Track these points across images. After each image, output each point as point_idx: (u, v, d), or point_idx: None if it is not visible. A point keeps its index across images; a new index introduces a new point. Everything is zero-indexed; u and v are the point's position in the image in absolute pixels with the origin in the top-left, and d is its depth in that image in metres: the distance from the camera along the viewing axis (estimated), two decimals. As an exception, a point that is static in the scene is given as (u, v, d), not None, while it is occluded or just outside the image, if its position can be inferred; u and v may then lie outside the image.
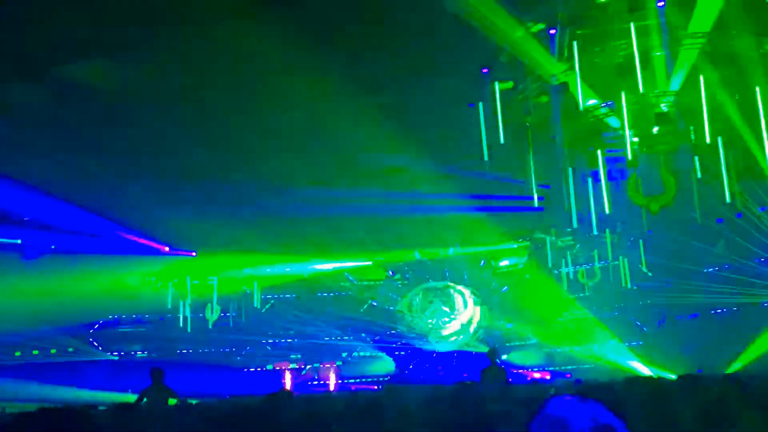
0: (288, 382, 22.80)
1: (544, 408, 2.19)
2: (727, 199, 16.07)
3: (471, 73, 16.08)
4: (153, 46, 13.72)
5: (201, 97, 14.64)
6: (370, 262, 23.89)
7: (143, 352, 22.27)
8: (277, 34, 13.20)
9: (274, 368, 23.50)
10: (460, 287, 23.67)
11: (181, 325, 22.61)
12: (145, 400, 10.96)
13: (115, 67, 13.90)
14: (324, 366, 23.61)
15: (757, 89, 14.32)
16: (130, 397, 11.80)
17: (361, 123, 16.58)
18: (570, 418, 2.10)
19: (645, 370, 19.19)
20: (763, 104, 14.24)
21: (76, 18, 12.41)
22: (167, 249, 21.16)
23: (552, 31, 14.59)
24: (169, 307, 22.46)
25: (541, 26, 14.66)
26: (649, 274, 20.40)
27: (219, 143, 16.39)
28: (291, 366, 23.53)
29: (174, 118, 15.08)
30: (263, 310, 23.62)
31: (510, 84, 15.76)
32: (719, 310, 19.47)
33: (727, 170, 15.79)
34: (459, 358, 23.19)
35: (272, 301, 23.88)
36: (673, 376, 13.14)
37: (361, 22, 14.17)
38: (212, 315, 22.99)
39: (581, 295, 21.43)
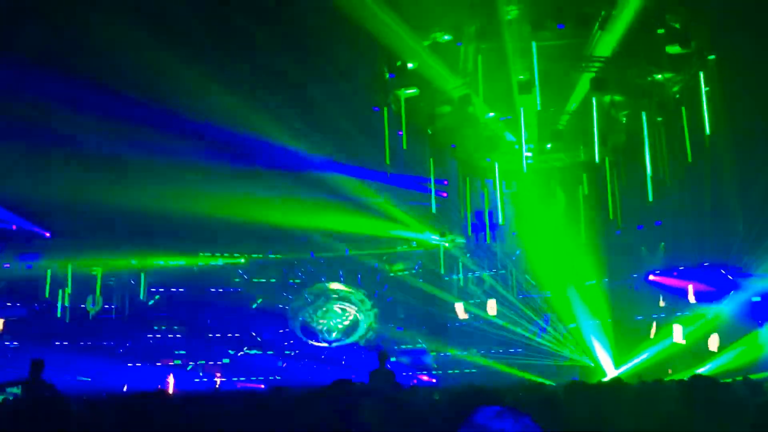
0: (171, 378, 22.09)
1: (473, 417, 2.19)
2: (610, 215, 17.08)
3: (378, 78, 16.21)
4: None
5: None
6: (264, 259, 23.60)
7: (15, 343, 20.93)
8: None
9: (158, 365, 22.71)
10: (352, 289, 23.76)
11: (59, 315, 21.46)
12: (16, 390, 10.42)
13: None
14: (210, 363, 23.06)
15: (643, 115, 15.24)
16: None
17: (259, 117, 16.43)
18: (499, 428, 2.11)
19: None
20: (648, 129, 15.17)
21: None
22: (48, 235, 20.05)
23: (459, 44, 14.94)
24: (47, 296, 21.28)
25: (448, 37, 14.95)
26: (533, 283, 21.33)
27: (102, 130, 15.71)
28: (175, 362, 22.81)
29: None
30: (149, 303, 22.82)
31: (416, 91, 15.97)
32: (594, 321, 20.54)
33: (612, 189, 16.71)
34: (348, 359, 23.28)
35: (157, 296, 23.10)
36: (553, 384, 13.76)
37: (267, 21, 14.01)
38: (94, 306, 21.96)
39: (471, 301, 22.01)
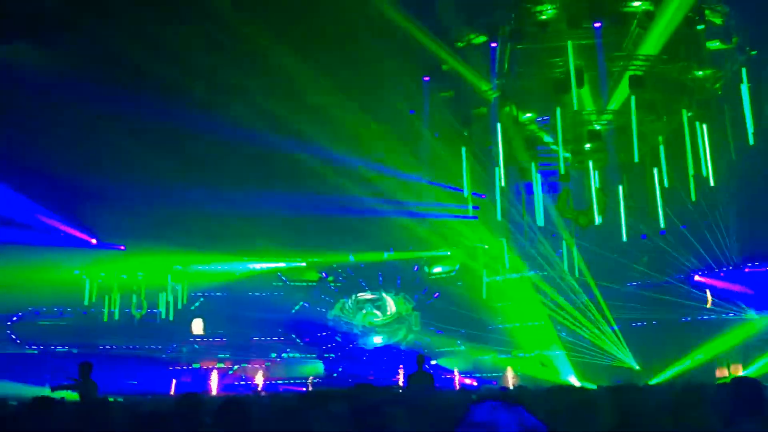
0: (214, 381, 22.45)
1: (471, 413, 2.22)
2: (652, 215, 16.74)
3: (413, 80, 16.23)
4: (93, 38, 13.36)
5: (137, 94, 14.30)
6: (303, 263, 23.80)
7: (64, 347, 21.51)
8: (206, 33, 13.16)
9: (200, 367, 23.10)
10: (392, 293, 23.81)
11: (105, 319, 22.01)
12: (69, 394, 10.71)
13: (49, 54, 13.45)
14: (252, 366, 23.34)
15: (684, 112, 14.92)
16: (47, 391, 11.42)
17: (297, 123, 16.53)
18: (497, 422, 2.15)
19: (573, 380, 19.66)
20: (689, 128, 14.84)
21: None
22: (94, 241, 20.53)
23: (493, 45, 14.85)
24: (94, 300, 21.85)
25: (483, 39, 14.90)
26: (576, 285, 20.99)
27: (154, 142, 15.99)
28: (218, 365, 23.16)
29: (110, 112, 14.68)
30: (192, 308, 23.23)
31: (451, 93, 15.96)
32: (638, 324, 20.14)
33: (652, 189, 16.39)
34: (389, 361, 23.31)
35: (201, 299, 23.51)
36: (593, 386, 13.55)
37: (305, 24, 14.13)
38: (139, 310, 22.47)
39: (509, 303, 21.83)
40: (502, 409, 2.17)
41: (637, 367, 19.68)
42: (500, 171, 16.40)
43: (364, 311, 23.71)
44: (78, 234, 20.15)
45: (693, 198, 15.67)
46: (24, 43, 13.17)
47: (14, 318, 21.92)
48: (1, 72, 13.67)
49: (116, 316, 22.24)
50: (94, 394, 10.82)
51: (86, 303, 21.79)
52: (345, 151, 18.06)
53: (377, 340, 23.58)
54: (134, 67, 13.98)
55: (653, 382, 17.59)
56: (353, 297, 23.81)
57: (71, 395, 10.88)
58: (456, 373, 22.51)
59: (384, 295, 23.82)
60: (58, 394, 11.02)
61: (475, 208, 19.90)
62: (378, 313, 23.73)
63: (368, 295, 23.78)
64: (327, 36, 13.63)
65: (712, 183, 15.13)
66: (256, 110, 15.65)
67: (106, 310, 22.07)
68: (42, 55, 13.26)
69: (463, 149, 16.58)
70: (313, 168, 18.34)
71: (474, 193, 17.59)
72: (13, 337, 21.75)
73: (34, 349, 21.78)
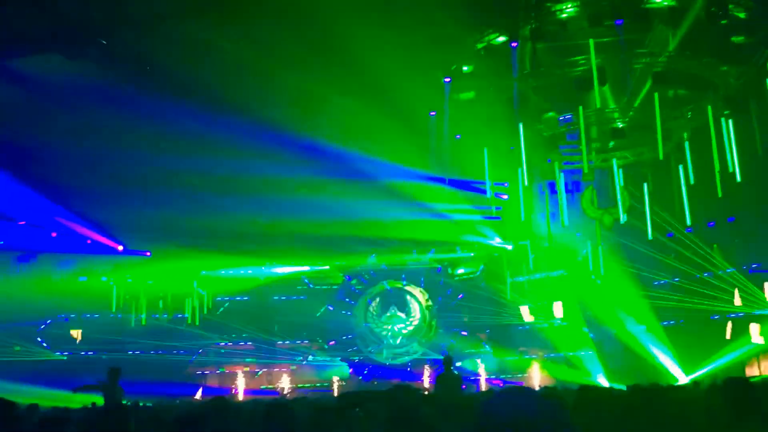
0: (241, 385, 22.61)
1: (489, 404, 2.25)
2: (677, 212, 16.56)
3: (433, 82, 16.19)
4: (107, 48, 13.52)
5: (159, 99, 14.42)
6: (327, 267, 23.87)
7: (93, 352, 21.78)
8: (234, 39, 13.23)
9: (226, 371, 23.28)
10: (416, 291, 23.80)
11: (132, 325, 22.26)
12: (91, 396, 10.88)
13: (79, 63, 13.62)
14: (277, 370, 23.47)
15: (709, 108, 14.74)
16: (76, 397, 11.56)
17: (319, 125, 16.55)
18: (515, 406, 2.18)
19: (602, 381, 19.47)
20: (715, 125, 14.66)
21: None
22: (121, 248, 20.78)
23: (514, 44, 14.78)
24: (121, 306, 22.12)
25: (503, 39, 14.83)
26: (599, 282, 20.75)
27: (177, 147, 16.12)
28: (244, 369, 23.33)
29: (133, 118, 14.83)
30: (218, 312, 23.41)
31: (471, 94, 15.92)
32: (667, 322, 19.87)
33: (678, 187, 16.22)
34: (413, 363, 23.31)
35: (227, 304, 23.68)
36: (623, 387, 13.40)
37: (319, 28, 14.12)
38: (165, 316, 22.70)
39: (539, 303, 21.70)
40: (518, 394, 2.22)
41: (667, 367, 19.39)
42: (523, 171, 16.32)
43: (388, 313, 23.71)
44: (105, 241, 20.40)
45: (719, 194, 15.44)
46: (55, 53, 13.37)
47: (43, 325, 22.26)
48: (32, 79, 13.93)
49: (143, 322, 22.48)
50: (120, 398, 10.91)
51: (113, 309, 22.05)
52: (364, 152, 18.07)
53: (401, 342, 23.58)
54: (157, 71, 14.11)
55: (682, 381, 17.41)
56: (376, 292, 23.82)
57: (94, 398, 11.01)
58: (482, 374, 22.44)
59: (406, 287, 23.74)
60: (80, 397, 11.18)
61: (497, 209, 19.87)
62: (403, 315, 23.71)
63: (390, 287, 23.72)
64: (344, 41, 13.63)
65: (738, 179, 14.91)
66: (276, 114, 15.71)
67: (132, 316, 22.33)
68: (73, 64, 13.44)
69: (485, 150, 16.52)
70: (335, 170, 18.41)
71: (497, 194, 17.53)
72: (43, 343, 22.09)
73: (64, 355, 22.09)
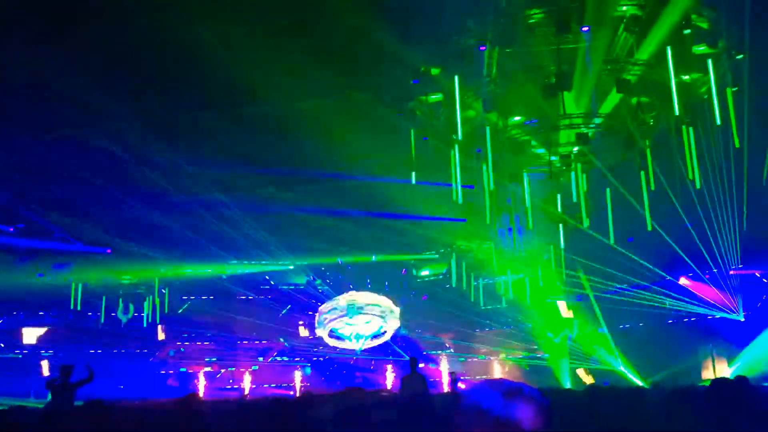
0: (201, 385, 22.33)
1: (465, 398, 2.25)
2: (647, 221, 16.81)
3: (402, 84, 16.21)
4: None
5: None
6: (291, 266, 23.73)
7: (50, 351, 21.32)
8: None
9: (187, 371, 22.97)
10: (381, 296, 23.77)
11: (91, 323, 21.86)
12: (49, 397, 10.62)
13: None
14: (239, 370, 23.25)
15: (670, 116, 15.02)
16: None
17: (285, 125, 16.47)
18: (486, 394, 2.18)
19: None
20: (674, 130, 14.97)
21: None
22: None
23: (482, 48, 14.87)
24: (79, 306, 21.68)
25: (471, 42, 14.91)
26: (564, 288, 21.06)
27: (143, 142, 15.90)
28: (205, 369, 23.05)
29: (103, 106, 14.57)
30: (179, 311, 23.11)
31: (440, 96, 15.97)
32: (625, 326, 20.24)
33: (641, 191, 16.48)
34: (377, 364, 23.31)
35: (188, 302, 23.39)
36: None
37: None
38: (125, 314, 22.31)
39: (498, 306, 21.89)
40: (486, 385, 2.22)
41: (622, 369, 19.78)
42: (488, 174, 16.43)
43: (351, 316, 23.62)
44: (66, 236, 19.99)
45: (675, 200, 15.80)
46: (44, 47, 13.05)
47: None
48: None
49: (102, 320, 22.08)
50: (70, 399, 10.67)
51: (72, 307, 21.62)
52: (329, 151, 18.00)
53: (363, 343, 23.52)
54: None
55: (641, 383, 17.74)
56: (342, 299, 23.69)
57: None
58: (444, 375, 22.55)
59: (372, 299, 23.64)
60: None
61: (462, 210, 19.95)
62: (366, 317, 23.65)
63: (359, 296, 23.59)
64: (318, 41, 13.61)
65: (698, 185, 15.28)
66: (248, 112, 15.59)
67: (91, 314, 21.92)
68: (62, 60, 13.13)
69: (452, 152, 16.59)
70: (301, 170, 18.30)
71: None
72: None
73: (18, 353, 21.59)
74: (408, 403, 8.44)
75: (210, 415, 6.23)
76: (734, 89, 14.10)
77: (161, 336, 23.17)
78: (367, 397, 7.41)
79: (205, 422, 5.65)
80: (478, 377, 22.51)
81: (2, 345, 21.51)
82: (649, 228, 17.15)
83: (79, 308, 21.61)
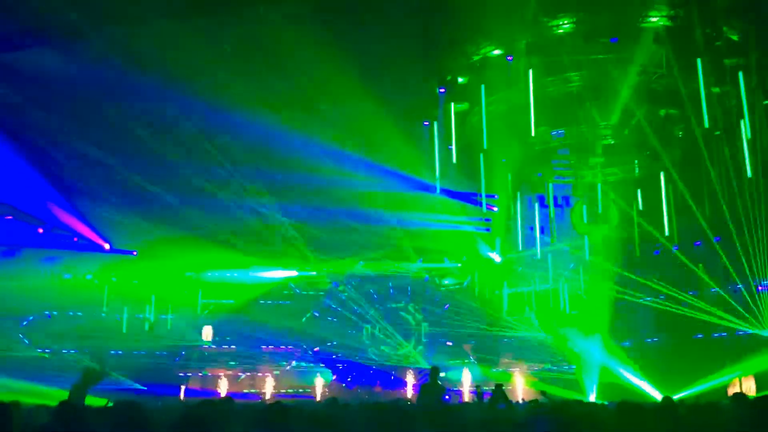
0: (223, 388, 22.46)
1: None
2: (666, 231, 16.60)
3: (428, 92, 16.24)
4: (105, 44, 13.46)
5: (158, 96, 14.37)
6: (314, 272, 23.76)
7: (75, 351, 21.57)
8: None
9: (209, 374, 23.12)
10: (402, 305, 23.73)
11: (116, 324, 22.06)
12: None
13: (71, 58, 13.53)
14: (261, 374, 23.34)
15: (699, 128, 14.88)
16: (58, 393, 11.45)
17: (313, 127, 16.53)
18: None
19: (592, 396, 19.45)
20: (702, 142, 14.82)
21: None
22: (108, 246, 20.58)
23: (509, 58, 14.89)
24: (105, 307, 21.90)
25: (499, 52, 14.94)
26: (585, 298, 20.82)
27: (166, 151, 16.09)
28: (227, 373, 23.18)
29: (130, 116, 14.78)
30: (203, 315, 23.24)
31: (466, 105, 16.00)
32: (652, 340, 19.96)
33: (668, 204, 16.33)
34: (396, 372, 23.26)
35: (211, 306, 23.51)
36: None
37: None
38: (150, 317, 22.50)
39: (522, 316, 21.72)
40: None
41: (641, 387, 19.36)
42: (513, 183, 16.45)
43: (376, 327, 23.62)
44: (92, 238, 20.21)
45: (707, 212, 15.60)
46: (51, 48, 13.29)
47: (26, 321, 22.02)
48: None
49: (125, 323, 22.28)
50: (82, 399, 10.74)
51: (104, 308, 21.86)
52: (357, 158, 18.04)
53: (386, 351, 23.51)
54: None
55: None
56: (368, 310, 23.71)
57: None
58: (465, 385, 22.43)
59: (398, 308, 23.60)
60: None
61: (487, 220, 19.91)
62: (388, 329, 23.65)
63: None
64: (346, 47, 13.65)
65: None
66: (274, 115, 15.70)
67: (117, 316, 22.15)
68: (69, 59, 13.36)
69: (480, 160, 16.58)
70: (327, 177, 18.36)
71: (488, 206, 17.56)
72: (25, 340, 21.85)
73: (45, 352, 21.86)
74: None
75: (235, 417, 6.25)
76: (765, 102, 13.94)
77: (207, 336, 23.22)
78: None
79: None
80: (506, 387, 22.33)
81: (29, 343, 21.81)
82: (676, 241, 16.98)
83: (106, 307, 21.85)
